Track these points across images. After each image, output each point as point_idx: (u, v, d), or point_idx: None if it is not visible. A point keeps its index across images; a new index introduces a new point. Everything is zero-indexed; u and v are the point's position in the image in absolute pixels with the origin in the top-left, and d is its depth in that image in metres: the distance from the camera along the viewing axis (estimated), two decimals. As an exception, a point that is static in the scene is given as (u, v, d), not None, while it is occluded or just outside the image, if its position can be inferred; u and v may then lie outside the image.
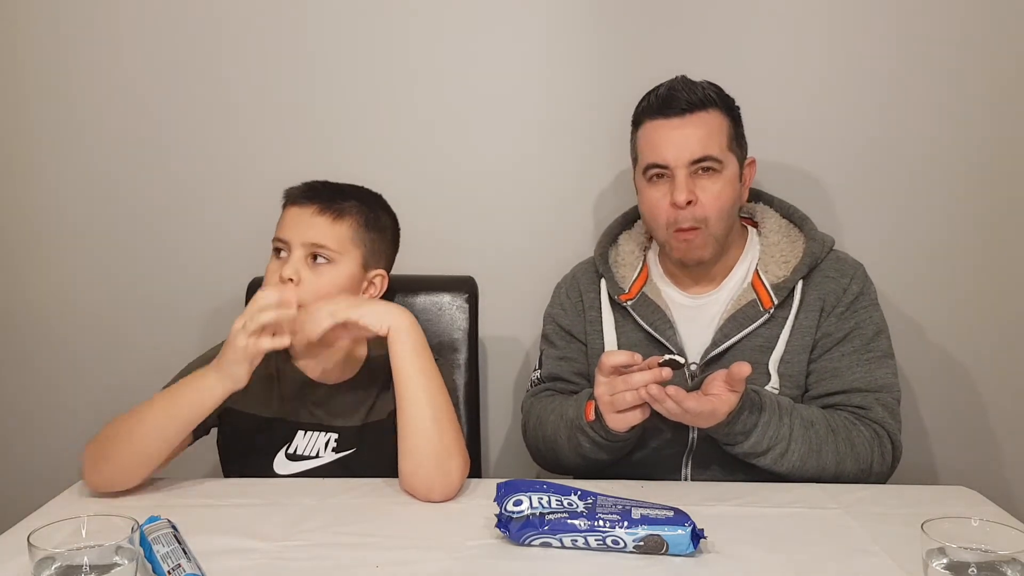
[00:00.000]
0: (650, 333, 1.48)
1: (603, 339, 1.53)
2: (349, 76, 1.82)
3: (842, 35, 1.78)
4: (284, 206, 1.42)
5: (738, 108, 1.50)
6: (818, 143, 1.80)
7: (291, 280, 1.33)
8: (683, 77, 1.46)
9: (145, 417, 1.27)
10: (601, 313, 1.54)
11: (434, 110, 1.83)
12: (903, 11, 1.76)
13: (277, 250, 1.39)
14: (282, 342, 1.25)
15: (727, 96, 1.48)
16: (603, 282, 1.55)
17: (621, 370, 1.28)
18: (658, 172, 1.44)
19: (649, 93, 1.48)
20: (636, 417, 1.29)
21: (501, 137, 1.84)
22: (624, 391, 1.27)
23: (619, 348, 1.50)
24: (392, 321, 1.30)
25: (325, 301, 1.30)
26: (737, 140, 1.47)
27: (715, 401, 1.27)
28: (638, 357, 1.28)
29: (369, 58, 1.82)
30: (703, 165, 1.42)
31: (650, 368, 1.26)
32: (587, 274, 1.60)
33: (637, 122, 1.50)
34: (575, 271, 1.64)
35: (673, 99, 1.43)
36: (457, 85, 1.82)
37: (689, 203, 1.41)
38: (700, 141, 1.41)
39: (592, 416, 1.35)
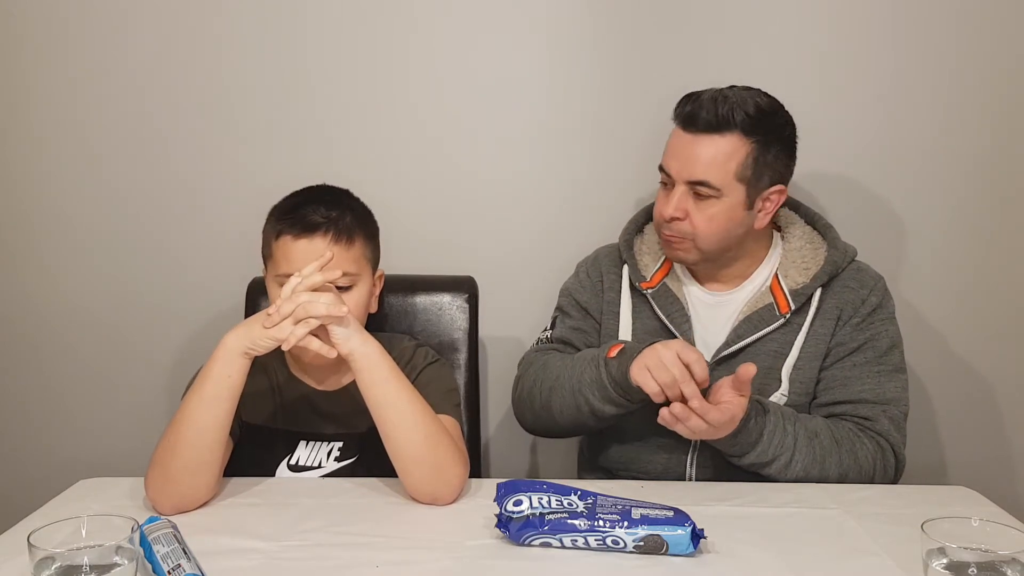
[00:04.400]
0: (665, 324, 1.49)
1: (619, 322, 1.53)
2: (349, 77, 1.82)
3: (849, 38, 1.77)
4: (279, 234, 1.34)
5: (782, 131, 1.43)
6: (838, 147, 1.80)
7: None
8: (719, 91, 1.41)
9: (187, 417, 1.23)
10: (620, 295, 1.55)
11: (434, 111, 1.83)
12: (911, 13, 1.76)
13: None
14: (323, 348, 1.24)
15: (764, 118, 1.40)
16: (625, 268, 1.56)
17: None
18: (665, 178, 1.46)
19: (684, 97, 1.44)
20: (652, 388, 1.26)
21: (501, 137, 1.84)
22: (675, 373, 1.25)
23: (634, 333, 1.50)
24: (353, 347, 1.25)
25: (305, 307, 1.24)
26: (755, 168, 1.40)
27: (731, 407, 1.27)
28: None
29: (369, 59, 1.82)
30: (698, 188, 1.41)
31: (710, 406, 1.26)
32: (610, 257, 1.61)
33: (673, 117, 1.47)
34: (598, 253, 1.65)
35: (693, 115, 1.40)
36: (457, 86, 1.82)
37: (675, 218, 1.42)
38: (702, 164, 1.39)
39: (614, 354, 1.35)
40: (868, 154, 1.81)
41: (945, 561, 0.92)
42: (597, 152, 1.83)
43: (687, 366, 1.26)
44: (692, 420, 1.25)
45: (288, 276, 1.28)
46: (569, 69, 1.82)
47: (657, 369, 1.27)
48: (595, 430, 1.50)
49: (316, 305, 1.22)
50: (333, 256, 1.28)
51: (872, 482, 1.38)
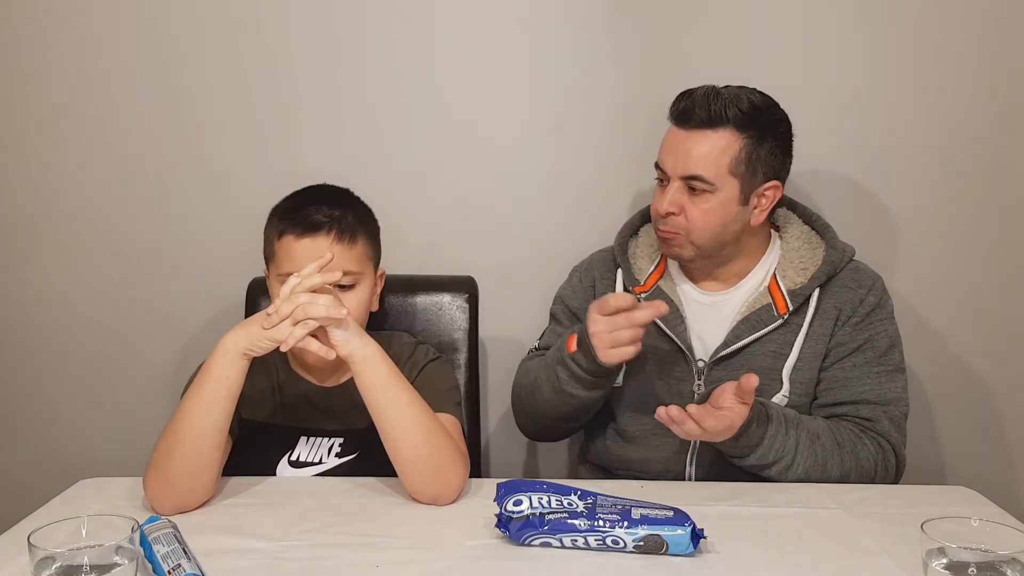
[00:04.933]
0: (660, 326, 1.49)
1: None
2: (349, 78, 1.82)
3: (860, 36, 1.77)
4: (281, 234, 1.34)
5: (776, 127, 1.45)
6: (836, 146, 1.80)
7: None
8: (712, 88, 1.43)
9: (186, 419, 1.22)
10: None
11: (434, 111, 1.83)
12: (926, 13, 1.76)
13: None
14: (322, 349, 1.23)
15: (757, 115, 1.42)
16: (619, 272, 1.57)
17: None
18: (660, 174, 1.47)
19: (679, 95, 1.46)
20: (629, 353, 1.34)
21: (502, 137, 1.84)
22: (624, 328, 1.32)
23: None
24: (353, 348, 1.24)
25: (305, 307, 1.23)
26: (749, 163, 1.41)
27: (731, 416, 1.28)
28: (653, 312, 1.34)
29: (368, 60, 1.82)
30: (692, 183, 1.42)
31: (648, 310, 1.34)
32: (604, 262, 1.62)
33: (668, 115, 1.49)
34: (592, 257, 1.66)
35: (687, 112, 1.42)
36: (458, 85, 1.82)
37: (671, 213, 1.43)
38: (695, 159, 1.41)
39: (574, 348, 1.39)
40: (865, 153, 1.81)
41: (945, 561, 0.92)
42: (597, 152, 1.83)
43: (617, 311, 1.32)
44: (687, 424, 1.26)
45: (290, 276, 1.27)
46: (569, 69, 1.81)
47: (614, 342, 1.33)
48: (588, 417, 1.52)
49: (315, 307, 1.21)
50: (333, 257, 1.27)
51: (873, 483, 1.38)
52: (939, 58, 1.77)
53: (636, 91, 1.79)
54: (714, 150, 1.41)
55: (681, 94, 1.46)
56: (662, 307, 1.34)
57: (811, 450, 1.35)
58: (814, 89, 1.78)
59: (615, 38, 1.79)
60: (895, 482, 1.42)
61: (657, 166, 1.48)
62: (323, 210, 1.34)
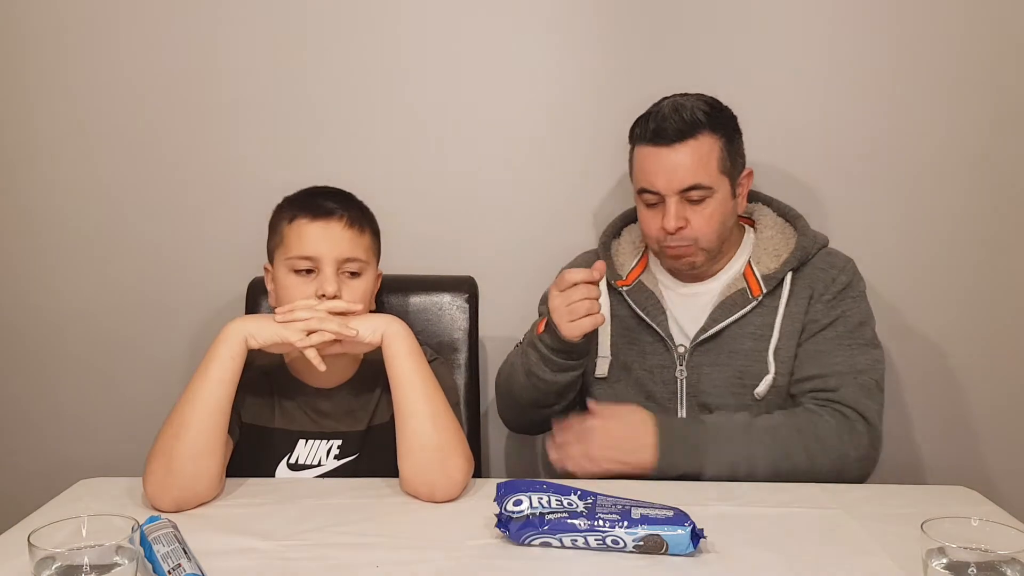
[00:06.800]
0: (642, 318, 1.53)
1: None
2: (348, 79, 1.82)
3: (841, 40, 1.78)
4: (293, 218, 1.37)
5: (734, 120, 1.50)
6: (816, 146, 1.81)
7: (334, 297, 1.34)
8: (672, 101, 1.47)
9: (191, 400, 1.25)
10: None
11: (434, 112, 1.83)
12: (901, 14, 1.77)
13: (299, 268, 1.35)
14: (316, 358, 1.31)
15: (718, 114, 1.48)
16: None
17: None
18: (650, 197, 1.48)
19: (641, 118, 1.49)
20: (587, 324, 1.38)
21: (501, 137, 1.84)
22: (578, 300, 1.37)
23: (611, 331, 1.56)
24: (385, 329, 1.32)
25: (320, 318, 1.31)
26: (731, 158, 1.47)
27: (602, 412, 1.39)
28: (596, 273, 1.38)
29: (367, 59, 1.82)
30: (693, 194, 1.44)
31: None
32: (588, 262, 1.63)
33: (632, 140, 1.53)
34: (577, 259, 1.70)
35: (662, 129, 1.44)
36: (457, 86, 1.82)
37: (680, 228, 1.46)
38: (689, 170, 1.43)
39: (542, 329, 1.44)
40: (861, 154, 1.81)
41: (945, 561, 0.92)
42: (597, 152, 1.83)
43: (575, 284, 1.37)
44: (568, 432, 1.37)
45: (300, 259, 1.34)
46: (569, 69, 1.82)
47: (572, 315, 1.37)
48: (560, 406, 1.54)
49: (330, 323, 1.29)
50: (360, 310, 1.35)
51: (847, 456, 1.38)
52: (929, 58, 1.78)
53: (638, 91, 1.78)
54: (702, 156, 1.44)
55: (644, 117, 1.49)
56: (600, 266, 1.39)
57: (772, 446, 1.36)
58: (790, 91, 1.79)
59: (615, 41, 1.80)
60: (873, 447, 1.41)
61: (644, 191, 1.48)
62: (333, 199, 1.40)
